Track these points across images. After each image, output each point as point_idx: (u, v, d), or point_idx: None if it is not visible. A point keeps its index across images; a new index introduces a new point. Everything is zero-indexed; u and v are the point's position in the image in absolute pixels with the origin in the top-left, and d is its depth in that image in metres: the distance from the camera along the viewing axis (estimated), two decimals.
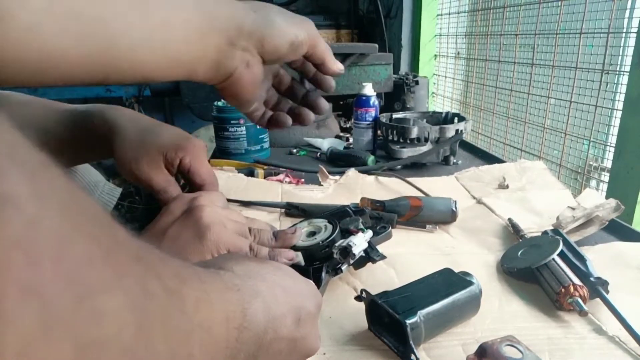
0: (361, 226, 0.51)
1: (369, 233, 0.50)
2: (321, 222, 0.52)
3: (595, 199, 0.68)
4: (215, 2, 0.41)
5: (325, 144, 1.07)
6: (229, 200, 0.72)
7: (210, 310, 0.23)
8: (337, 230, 0.50)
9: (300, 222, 0.54)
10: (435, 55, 1.70)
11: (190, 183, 0.54)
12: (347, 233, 0.50)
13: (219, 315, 0.24)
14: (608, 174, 0.89)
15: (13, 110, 0.54)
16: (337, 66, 0.50)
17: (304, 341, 0.33)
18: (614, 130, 0.86)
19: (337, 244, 0.47)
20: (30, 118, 0.54)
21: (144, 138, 0.52)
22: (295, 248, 0.48)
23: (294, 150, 1.10)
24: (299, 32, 0.45)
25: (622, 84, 0.85)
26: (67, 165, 0.59)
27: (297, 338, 0.32)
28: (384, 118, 1.04)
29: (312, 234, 0.51)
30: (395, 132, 0.95)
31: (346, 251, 0.47)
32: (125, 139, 0.51)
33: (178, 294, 0.21)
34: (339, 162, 0.99)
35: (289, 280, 0.34)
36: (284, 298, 0.31)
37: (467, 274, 0.45)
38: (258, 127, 1.01)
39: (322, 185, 0.82)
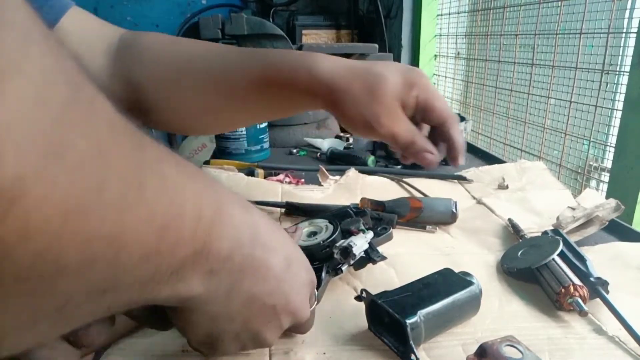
0: (362, 227, 0.51)
1: (370, 234, 0.50)
2: (322, 223, 0.52)
3: (595, 199, 0.68)
4: None
5: (325, 144, 1.07)
6: None
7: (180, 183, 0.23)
8: (338, 231, 0.50)
9: (301, 222, 0.54)
10: (435, 55, 1.70)
11: (426, 121, 0.50)
12: (347, 234, 0.50)
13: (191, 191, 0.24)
14: (608, 174, 0.88)
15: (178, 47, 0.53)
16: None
17: (291, 291, 0.32)
18: (614, 130, 0.86)
19: (337, 244, 0.47)
20: (204, 55, 0.52)
21: (372, 88, 0.46)
22: None
23: (294, 150, 1.10)
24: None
25: (622, 84, 0.85)
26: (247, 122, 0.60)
27: (285, 280, 0.31)
28: None
29: (312, 234, 0.51)
30: None
31: (347, 251, 0.47)
32: (355, 97, 0.46)
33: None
34: (339, 162, 0.99)
35: (288, 237, 0.34)
36: (278, 239, 0.32)
37: (467, 274, 0.45)
38: (259, 127, 1.01)
39: (322, 185, 0.82)
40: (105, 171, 0.18)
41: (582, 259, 0.49)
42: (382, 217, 0.62)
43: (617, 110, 0.85)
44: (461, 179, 0.85)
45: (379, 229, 0.54)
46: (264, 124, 1.03)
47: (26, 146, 0.14)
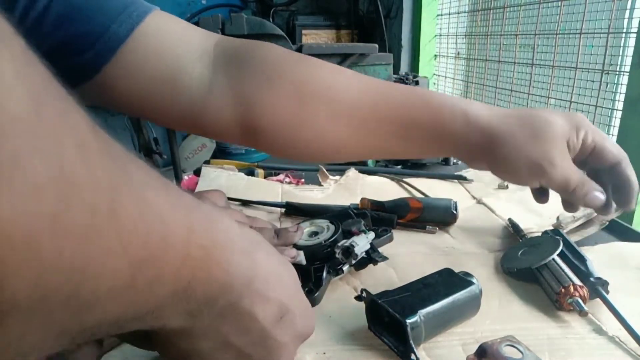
0: (363, 228, 0.51)
1: (371, 234, 0.51)
2: (323, 223, 0.52)
3: None
4: None
5: None
6: (229, 199, 0.72)
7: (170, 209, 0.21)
8: (339, 231, 0.50)
9: (303, 222, 0.54)
10: (435, 55, 1.70)
11: (596, 163, 0.48)
12: (349, 234, 0.50)
13: (183, 222, 0.22)
14: None
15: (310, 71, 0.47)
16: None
17: (277, 346, 0.30)
18: (614, 130, 0.86)
19: (339, 244, 0.47)
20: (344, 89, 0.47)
21: (539, 130, 0.45)
22: (297, 247, 0.48)
23: None
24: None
25: (622, 84, 0.85)
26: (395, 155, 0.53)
27: (271, 336, 0.29)
28: None
29: (314, 234, 0.51)
30: None
31: (348, 251, 0.47)
32: (518, 139, 0.45)
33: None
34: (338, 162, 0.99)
35: (289, 278, 0.32)
36: (276, 284, 0.29)
37: (467, 274, 0.45)
38: None
39: (322, 185, 0.82)
40: (65, 196, 0.15)
41: (582, 259, 0.49)
42: (382, 218, 0.62)
43: (617, 110, 0.85)
44: (461, 178, 0.85)
45: (380, 230, 0.54)
46: None
47: None
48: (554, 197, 0.73)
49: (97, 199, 0.17)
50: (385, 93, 0.47)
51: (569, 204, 0.50)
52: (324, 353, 0.40)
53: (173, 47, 0.45)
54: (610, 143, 0.47)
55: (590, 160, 0.48)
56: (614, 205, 0.48)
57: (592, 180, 0.47)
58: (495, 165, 0.48)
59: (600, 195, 0.47)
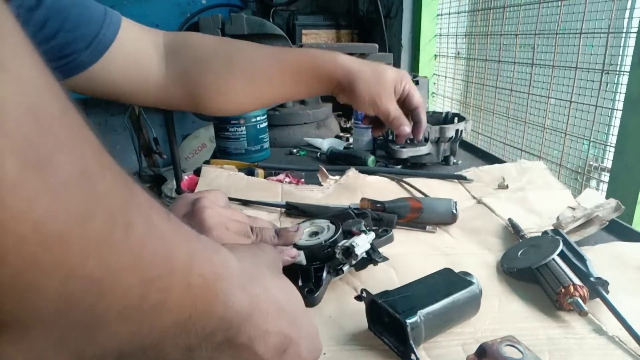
0: (363, 228, 0.51)
1: (372, 235, 0.50)
2: (324, 223, 0.52)
3: (595, 199, 0.68)
4: None
5: (325, 144, 1.07)
6: (230, 199, 0.72)
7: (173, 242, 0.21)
8: (339, 231, 0.50)
9: (303, 222, 0.54)
10: (435, 55, 1.70)
11: (406, 107, 0.68)
12: (349, 234, 0.50)
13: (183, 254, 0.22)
14: (608, 174, 0.88)
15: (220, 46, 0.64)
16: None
17: None
18: (614, 130, 0.86)
19: (339, 244, 0.47)
20: (240, 54, 0.64)
21: (378, 75, 0.65)
22: (297, 247, 0.48)
23: (294, 150, 1.10)
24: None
25: (622, 84, 0.85)
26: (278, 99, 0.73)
27: None
28: None
29: (314, 234, 0.51)
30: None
31: (348, 251, 0.47)
32: (366, 80, 0.64)
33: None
34: (339, 162, 0.99)
35: (293, 307, 0.31)
36: (277, 317, 0.29)
37: (467, 274, 0.45)
38: (259, 128, 1.01)
39: (322, 185, 0.82)
40: (90, 200, 0.16)
41: (582, 259, 0.49)
42: (382, 218, 0.62)
43: (617, 110, 0.85)
44: (461, 178, 0.85)
45: (380, 230, 0.54)
46: (264, 124, 1.03)
47: (6, 151, 0.13)
48: (554, 198, 0.73)
49: (114, 209, 0.17)
50: (284, 55, 0.67)
51: (397, 135, 0.68)
52: (324, 353, 0.40)
53: (141, 45, 0.59)
54: (417, 93, 0.69)
55: (405, 103, 0.68)
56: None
57: (405, 117, 0.67)
58: (351, 95, 0.65)
59: (407, 128, 0.66)
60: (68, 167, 0.15)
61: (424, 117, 0.69)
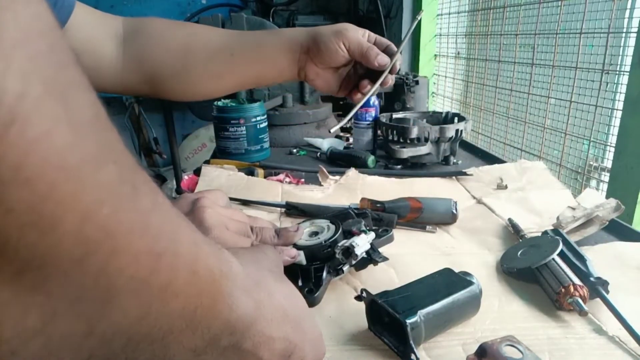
0: (363, 228, 0.51)
1: (372, 235, 0.50)
2: (324, 223, 0.52)
3: (595, 199, 0.68)
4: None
5: (325, 144, 1.07)
6: (230, 199, 0.72)
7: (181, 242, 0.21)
8: (339, 231, 0.50)
9: (303, 222, 0.54)
10: (435, 55, 1.70)
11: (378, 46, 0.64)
12: (349, 234, 0.50)
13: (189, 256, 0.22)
14: (608, 174, 0.88)
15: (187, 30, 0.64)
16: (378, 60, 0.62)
17: None
18: (614, 130, 0.86)
19: (339, 244, 0.47)
20: (211, 39, 0.64)
21: (340, 26, 0.63)
22: (297, 247, 0.48)
23: (294, 150, 1.10)
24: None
25: (622, 84, 0.85)
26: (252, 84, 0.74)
27: None
28: (384, 118, 1.04)
29: (314, 234, 0.51)
30: (395, 132, 0.95)
31: (348, 251, 0.47)
32: (328, 30, 0.63)
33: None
34: (339, 162, 0.99)
35: (297, 312, 0.31)
36: (281, 323, 0.29)
37: (467, 274, 0.45)
38: (259, 127, 1.01)
39: (322, 185, 0.82)
40: (104, 147, 0.17)
41: (582, 259, 0.49)
42: (382, 218, 0.62)
43: (617, 110, 0.85)
44: (461, 174, 0.85)
45: (380, 230, 0.54)
46: (264, 124, 1.03)
47: (32, 71, 0.14)
48: (554, 197, 0.73)
49: (124, 167, 0.18)
50: (243, 34, 0.67)
51: (372, 73, 0.64)
52: (324, 354, 0.40)
53: (95, 32, 0.59)
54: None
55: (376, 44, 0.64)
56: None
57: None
58: (318, 50, 0.62)
59: (384, 57, 0.62)
60: (85, 106, 0.16)
61: (399, 49, 0.66)
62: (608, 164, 0.90)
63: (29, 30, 0.14)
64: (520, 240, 0.59)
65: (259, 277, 0.29)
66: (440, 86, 1.67)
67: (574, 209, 0.61)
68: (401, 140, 0.94)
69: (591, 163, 0.96)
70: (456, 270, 0.46)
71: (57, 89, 0.15)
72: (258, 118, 1.01)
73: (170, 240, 0.21)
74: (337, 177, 0.83)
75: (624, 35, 0.88)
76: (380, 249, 0.51)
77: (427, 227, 0.64)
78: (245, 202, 0.73)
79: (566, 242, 0.53)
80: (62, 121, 0.15)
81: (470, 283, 0.44)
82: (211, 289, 0.23)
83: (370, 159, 0.95)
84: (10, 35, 0.14)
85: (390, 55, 0.63)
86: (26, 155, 0.14)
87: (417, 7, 1.66)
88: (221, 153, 1.02)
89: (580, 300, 0.44)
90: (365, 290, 0.42)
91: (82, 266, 0.17)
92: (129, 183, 0.18)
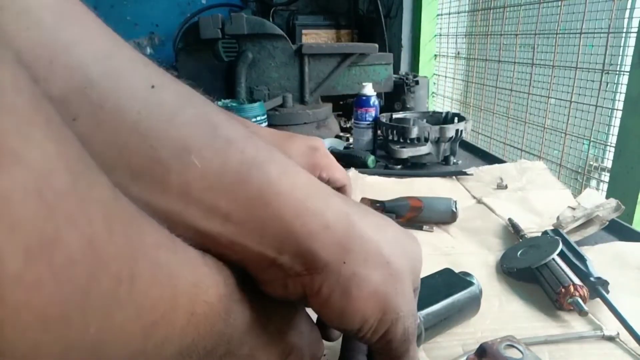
0: None
1: None
2: None
3: (596, 199, 0.68)
4: None
5: (326, 143, 1.06)
6: None
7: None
8: None
9: None
10: (435, 55, 1.70)
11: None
12: None
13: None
14: (608, 174, 0.88)
15: None
16: None
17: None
18: (614, 130, 0.86)
19: None
20: None
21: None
22: None
23: None
24: None
25: (622, 84, 0.85)
26: None
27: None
28: (384, 118, 1.04)
29: None
30: (395, 132, 0.95)
31: None
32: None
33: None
34: (339, 162, 0.99)
35: (294, 318, 0.30)
36: (278, 328, 0.28)
37: (467, 274, 0.45)
38: None
39: None
40: (95, 268, 0.16)
41: (582, 259, 0.49)
42: None
43: (617, 110, 0.85)
44: (461, 174, 0.85)
45: None
46: (264, 124, 1.03)
47: (10, 244, 0.13)
48: (554, 197, 0.73)
49: (120, 268, 0.17)
50: None
51: None
52: (325, 354, 0.40)
53: None
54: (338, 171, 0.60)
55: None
56: None
57: None
58: None
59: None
60: (74, 244, 0.15)
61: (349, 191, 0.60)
62: (608, 164, 0.90)
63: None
64: (520, 240, 0.59)
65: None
66: (440, 86, 1.67)
67: (574, 209, 0.61)
68: (401, 140, 0.94)
69: (591, 163, 0.96)
70: (456, 270, 0.46)
71: (41, 244, 0.14)
72: (258, 118, 1.01)
73: (168, 302, 0.20)
74: None
75: (624, 35, 0.88)
76: None
77: (424, 227, 0.64)
78: None
79: (566, 242, 0.53)
80: (44, 279, 0.14)
81: (470, 283, 0.44)
82: (208, 317, 0.23)
83: (370, 159, 0.95)
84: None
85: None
86: (2, 331, 0.13)
87: (417, 7, 1.66)
88: None
89: (580, 300, 0.44)
90: None
91: None
92: (124, 280, 0.17)
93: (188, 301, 0.21)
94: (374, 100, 1.03)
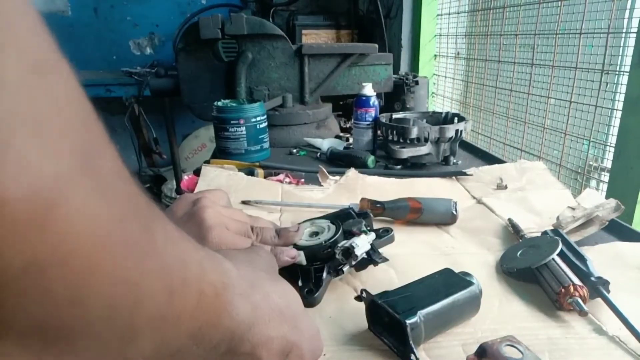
0: (364, 228, 0.51)
1: (372, 235, 0.50)
2: (324, 223, 0.52)
3: (595, 199, 0.68)
4: None
5: (325, 144, 1.07)
6: (243, 202, 0.72)
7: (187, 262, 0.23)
8: (340, 231, 0.50)
9: (303, 222, 0.54)
10: (435, 55, 1.70)
11: None
12: (349, 235, 0.50)
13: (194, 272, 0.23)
14: (608, 174, 0.88)
15: None
16: None
17: None
18: (614, 130, 0.86)
19: (340, 245, 0.47)
20: None
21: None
22: (297, 247, 0.48)
23: (294, 150, 1.10)
24: None
25: (622, 84, 0.85)
26: None
27: None
28: (384, 118, 1.04)
29: (314, 234, 0.51)
30: (395, 132, 0.95)
31: (348, 252, 0.47)
32: None
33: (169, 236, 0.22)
34: (339, 162, 0.99)
35: (293, 311, 0.31)
36: (278, 322, 0.29)
37: (467, 274, 0.45)
38: (259, 128, 1.01)
39: (322, 185, 0.82)
40: (126, 201, 0.18)
41: (582, 259, 0.49)
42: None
43: (617, 110, 0.85)
44: (461, 174, 0.85)
45: (380, 230, 0.54)
46: (264, 124, 1.03)
47: (65, 147, 0.14)
48: (554, 197, 0.73)
49: (141, 213, 0.19)
50: None
51: None
52: (324, 354, 0.40)
53: None
54: None
55: None
56: None
57: None
58: None
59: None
60: (110, 167, 0.17)
61: None
62: (608, 164, 0.90)
63: (61, 102, 0.15)
64: (520, 241, 0.59)
65: (254, 279, 0.29)
66: (440, 86, 1.67)
67: (573, 209, 0.61)
68: (401, 140, 0.94)
69: (591, 163, 0.96)
70: (456, 271, 0.46)
71: (86, 159, 0.16)
72: (258, 118, 1.01)
73: (181, 269, 0.22)
74: (337, 178, 0.83)
75: (623, 35, 0.88)
76: (380, 249, 0.51)
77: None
78: (246, 202, 0.73)
79: (566, 242, 0.53)
80: (94, 193, 0.16)
81: (470, 283, 0.44)
82: (215, 303, 0.24)
83: (370, 159, 0.95)
84: (43, 110, 0.14)
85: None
86: (65, 234, 0.14)
87: (417, 7, 1.67)
88: (221, 153, 1.02)
89: (580, 300, 0.44)
90: (365, 290, 0.42)
91: (110, 325, 0.18)
92: (146, 228, 0.19)
93: (197, 276, 0.23)
94: (374, 101, 1.03)
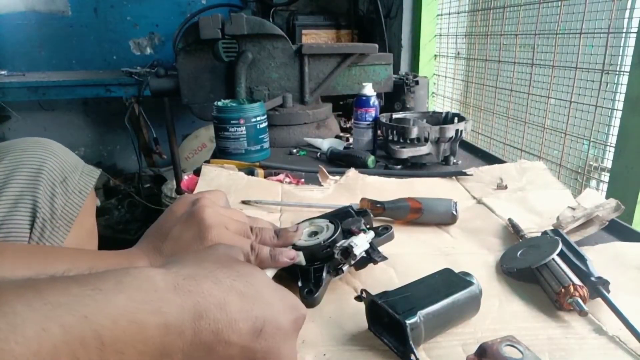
0: (363, 227, 0.51)
1: (371, 234, 0.50)
2: (323, 222, 0.52)
3: (595, 199, 0.68)
4: None
5: (325, 144, 1.07)
6: (243, 202, 0.72)
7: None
8: (339, 231, 0.50)
9: (302, 221, 0.54)
10: (435, 55, 1.70)
11: None
12: (349, 234, 0.50)
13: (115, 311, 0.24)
14: (608, 174, 0.88)
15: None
16: None
17: (268, 355, 0.31)
18: (614, 130, 0.86)
19: (338, 244, 0.47)
20: None
21: None
22: (296, 247, 0.48)
23: (294, 150, 1.10)
24: None
25: (622, 84, 0.85)
26: None
27: (256, 349, 0.30)
28: (384, 118, 1.04)
29: (313, 233, 0.51)
30: (395, 132, 0.95)
31: (347, 252, 0.47)
32: None
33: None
34: (339, 162, 0.99)
35: (255, 288, 0.32)
36: (238, 304, 0.30)
37: (467, 274, 0.45)
38: (259, 128, 1.01)
39: (322, 185, 0.82)
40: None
41: (582, 259, 0.49)
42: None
43: (617, 110, 0.85)
44: (461, 174, 0.85)
45: (380, 229, 0.54)
46: (264, 124, 1.03)
47: None
48: (554, 197, 0.73)
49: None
50: None
51: None
52: (324, 355, 0.40)
53: None
54: None
55: None
56: None
57: None
58: None
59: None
60: None
61: None
62: (608, 164, 0.90)
63: None
64: (520, 241, 0.59)
65: (197, 272, 0.30)
66: (440, 86, 1.67)
67: (574, 209, 0.61)
68: (401, 140, 0.94)
69: (591, 163, 0.96)
70: (456, 271, 0.46)
71: None
72: (258, 118, 1.01)
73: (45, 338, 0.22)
74: (337, 177, 0.83)
75: (624, 35, 0.88)
76: (380, 248, 0.51)
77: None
78: (246, 202, 0.73)
79: (566, 242, 0.53)
80: None
81: (470, 283, 0.44)
82: (135, 337, 0.25)
83: (370, 159, 0.95)
84: None
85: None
86: None
87: (417, 7, 1.67)
88: (221, 153, 1.02)
89: (580, 300, 0.44)
90: (365, 290, 0.42)
91: None
92: None
93: (113, 340, 0.24)
94: (374, 101, 1.03)
